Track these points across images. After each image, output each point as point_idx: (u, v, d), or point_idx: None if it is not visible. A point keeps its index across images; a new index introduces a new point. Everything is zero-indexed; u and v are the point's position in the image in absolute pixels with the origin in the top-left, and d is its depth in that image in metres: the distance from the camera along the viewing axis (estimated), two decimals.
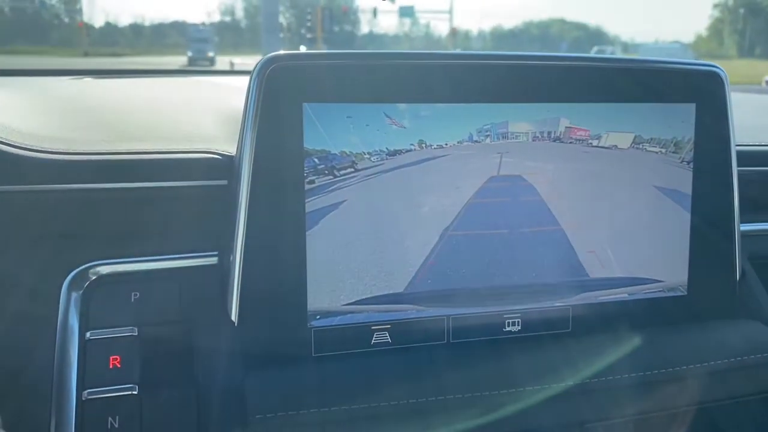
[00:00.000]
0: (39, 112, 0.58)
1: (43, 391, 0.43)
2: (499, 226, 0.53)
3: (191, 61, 21.53)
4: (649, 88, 0.54)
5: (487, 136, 0.51)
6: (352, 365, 0.50)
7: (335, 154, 0.49)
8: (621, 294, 0.56)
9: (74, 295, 0.47)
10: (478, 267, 0.53)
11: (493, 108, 0.51)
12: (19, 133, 0.50)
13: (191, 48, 23.72)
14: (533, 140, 0.53)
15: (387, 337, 0.51)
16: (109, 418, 0.43)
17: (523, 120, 0.52)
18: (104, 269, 0.48)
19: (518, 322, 0.54)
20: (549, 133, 0.53)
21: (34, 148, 0.48)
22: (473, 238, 0.52)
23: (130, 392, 0.44)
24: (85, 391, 0.43)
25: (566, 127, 0.53)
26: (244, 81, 0.48)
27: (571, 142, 0.53)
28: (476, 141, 0.51)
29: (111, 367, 0.45)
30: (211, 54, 23.46)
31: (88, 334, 0.45)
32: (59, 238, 0.48)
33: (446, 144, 0.51)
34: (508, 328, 0.54)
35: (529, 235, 0.53)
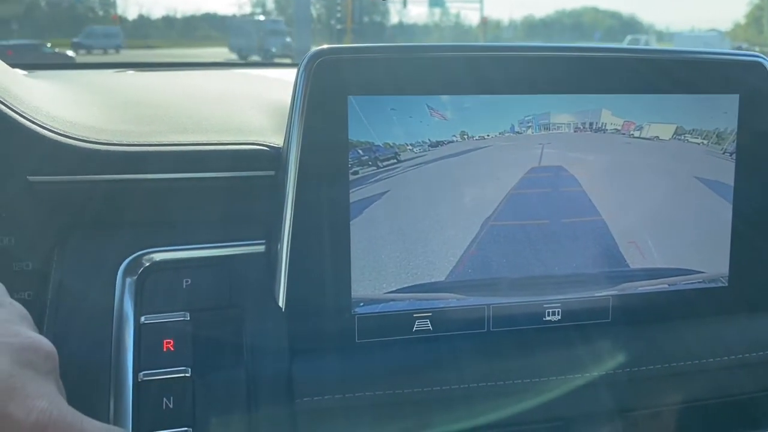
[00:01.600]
0: (90, 105, 0.60)
1: (103, 372, 0.45)
2: (540, 216, 0.53)
3: (265, 54, 21.10)
4: (692, 79, 0.54)
5: (529, 127, 0.52)
6: (394, 351, 0.51)
7: (379, 145, 0.50)
8: (661, 285, 0.56)
9: (129, 281, 0.49)
10: (518, 257, 0.53)
11: (535, 99, 0.52)
12: (73, 124, 0.51)
13: (266, 41, 23.24)
14: (575, 131, 0.53)
15: (428, 325, 0.52)
16: (164, 399, 0.45)
17: (564, 111, 0.52)
18: (157, 256, 0.50)
19: (558, 311, 0.55)
20: (590, 124, 0.53)
21: (91, 140, 0.50)
22: (514, 228, 0.53)
23: (183, 374, 0.46)
24: (141, 373, 0.45)
25: (608, 118, 0.53)
26: (285, 73, 0.49)
27: (612, 133, 0.53)
28: (518, 132, 0.52)
29: (165, 350, 0.46)
30: (287, 41, 22.76)
31: (142, 319, 0.47)
32: (115, 226, 0.50)
33: (488, 135, 0.51)
34: (547, 318, 0.55)
35: (570, 225, 0.54)
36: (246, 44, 23.13)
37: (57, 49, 17.87)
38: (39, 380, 0.35)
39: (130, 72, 0.99)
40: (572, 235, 0.54)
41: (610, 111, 0.53)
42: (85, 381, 0.45)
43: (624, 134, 0.54)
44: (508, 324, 0.54)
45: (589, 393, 0.53)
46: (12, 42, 17.29)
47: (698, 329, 0.56)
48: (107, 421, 0.43)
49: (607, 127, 0.53)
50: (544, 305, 0.54)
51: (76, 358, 0.44)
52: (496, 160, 0.52)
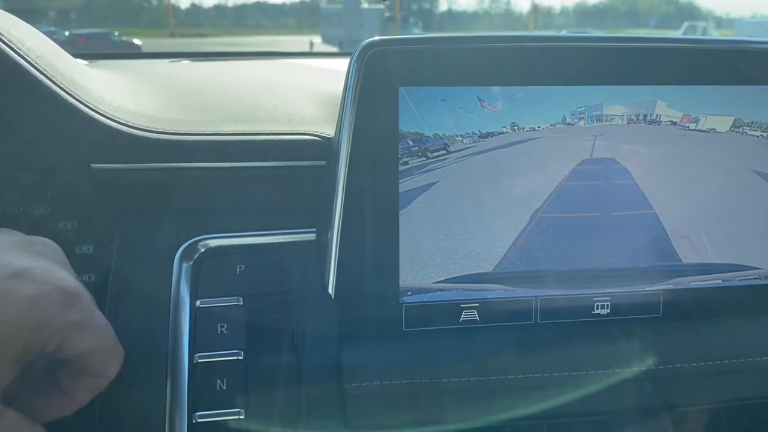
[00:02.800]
0: (148, 95, 0.62)
1: (161, 354, 0.47)
2: (591, 209, 0.53)
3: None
4: (751, 69, 0.53)
5: (581, 118, 0.52)
6: (441, 341, 0.52)
7: (429, 136, 0.50)
8: (715, 280, 0.55)
9: (185, 266, 0.50)
10: (568, 249, 0.53)
11: (588, 90, 0.51)
12: (132, 113, 0.53)
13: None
14: (628, 123, 0.52)
15: (475, 315, 0.53)
16: (218, 380, 0.46)
17: (618, 103, 0.52)
18: (212, 242, 0.51)
19: (607, 305, 0.54)
20: (644, 116, 0.52)
21: (150, 128, 0.51)
22: (564, 220, 0.53)
23: (236, 357, 0.47)
24: (196, 355, 0.47)
25: (662, 110, 0.52)
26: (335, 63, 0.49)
27: (667, 125, 0.52)
28: (569, 123, 0.51)
29: (219, 333, 0.48)
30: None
31: (197, 303, 0.49)
32: (171, 213, 0.52)
33: (539, 127, 0.51)
34: (596, 311, 0.54)
35: (621, 218, 0.53)
36: (343, 33, 22.46)
37: (124, 38, 18.33)
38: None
39: (185, 62, 1.02)
40: (623, 228, 0.53)
41: (665, 102, 0.52)
42: (143, 362, 0.46)
43: (679, 126, 0.53)
44: (556, 317, 0.54)
45: (635, 388, 0.53)
46: (83, 31, 17.84)
47: (751, 327, 0.55)
48: (165, 402, 0.45)
49: (661, 119, 0.52)
50: (593, 299, 0.54)
51: (136, 340, 0.46)
52: (547, 151, 0.52)
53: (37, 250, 0.40)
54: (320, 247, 0.53)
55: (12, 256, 0.38)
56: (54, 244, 0.42)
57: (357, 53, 0.48)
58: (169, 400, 0.45)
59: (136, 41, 17.98)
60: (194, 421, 0.45)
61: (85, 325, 0.39)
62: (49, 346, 0.37)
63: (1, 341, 0.35)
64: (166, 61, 0.99)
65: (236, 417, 0.45)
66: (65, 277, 0.39)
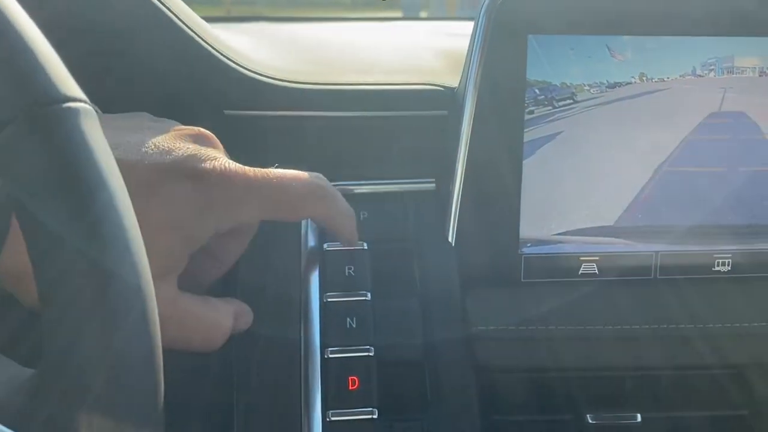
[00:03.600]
0: (269, 50, 0.63)
1: (294, 293, 0.48)
2: (717, 163, 0.52)
3: None
4: None
5: (711, 70, 0.50)
6: (560, 292, 0.52)
7: (556, 85, 0.50)
8: None
9: None
10: (691, 204, 0.52)
11: (719, 41, 0.50)
12: (260, 65, 0.55)
13: None
14: (760, 76, 0.51)
15: (594, 269, 0.53)
16: (348, 319, 0.47)
17: (750, 54, 0.50)
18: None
19: (728, 262, 0.53)
20: None
21: (279, 77, 0.53)
22: (689, 175, 0.52)
23: (363, 298, 0.48)
24: (326, 294, 0.48)
25: None
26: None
27: None
28: (699, 75, 0.50)
29: (346, 275, 0.49)
30: None
31: (325, 246, 0.50)
32: (299, 160, 0.53)
33: (668, 78, 0.50)
34: (717, 268, 0.53)
35: (748, 174, 0.52)
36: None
37: None
38: None
39: (298, 25, 1.02)
40: (750, 184, 0.52)
41: None
42: (277, 299, 0.48)
43: None
44: (676, 272, 0.53)
45: (756, 344, 0.52)
46: None
47: None
48: (299, 337, 0.47)
49: None
50: (715, 255, 0.53)
51: (269, 280, 0.48)
52: (675, 103, 0.51)
53: (188, 133, 0.41)
54: (441, 196, 0.53)
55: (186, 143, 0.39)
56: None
57: (487, 1, 0.48)
58: (303, 335, 0.47)
59: None
60: (326, 356, 0.46)
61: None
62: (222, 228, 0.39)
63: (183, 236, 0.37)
64: (277, 24, 0.99)
65: (366, 353, 0.46)
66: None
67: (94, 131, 0.26)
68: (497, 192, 0.51)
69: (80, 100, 0.26)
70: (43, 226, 0.25)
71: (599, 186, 0.51)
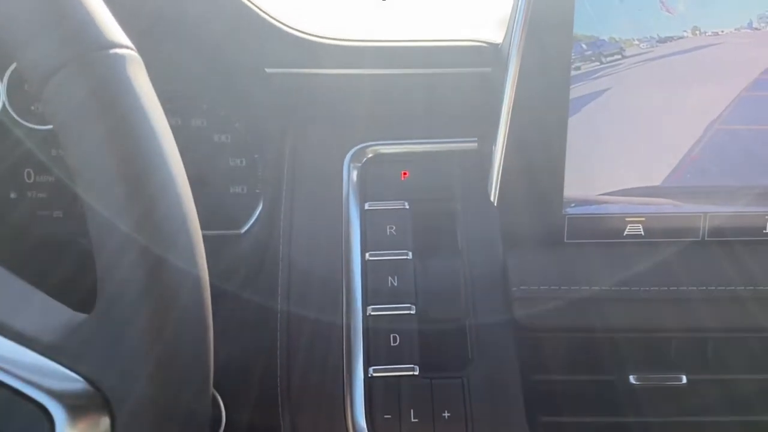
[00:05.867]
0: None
1: (336, 251, 0.49)
2: None
3: None
4: None
5: None
6: (604, 253, 0.51)
7: (603, 39, 0.48)
8: None
9: (354, 170, 0.51)
10: (742, 164, 0.51)
11: None
12: (297, 20, 0.54)
13: None
14: None
15: (640, 230, 0.51)
16: (389, 278, 0.47)
17: None
18: (379, 149, 0.52)
19: None
20: None
21: (318, 34, 0.52)
22: (741, 133, 0.50)
23: (404, 256, 0.48)
24: (367, 253, 0.48)
25: None
26: None
27: None
28: (755, 28, 0.48)
29: (387, 234, 0.49)
30: None
31: (366, 205, 0.50)
32: (339, 119, 0.53)
33: (722, 31, 0.48)
34: (767, 230, 0.52)
35: None
36: None
37: None
38: None
39: None
40: None
41: None
42: (319, 258, 0.48)
43: None
44: (725, 234, 0.51)
45: None
46: None
47: None
48: (340, 293, 0.47)
49: None
50: (766, 217, 0.51)
51: (312, 236, 0.48)
52: (729, 58, 0.49)
53: None
54: (482, 155, 0.52)
55: None
56: None
57: None
58: (344, 292, 0.47)
59: None
60: (368, 314, 0.46)
61: None
62: None
63: None
64: None
65: (407, 311, 0.46)
66: None
67: (140, 76, 0.28)
68: (541, 151, 0.50)
69: (127, 47, 0.27)
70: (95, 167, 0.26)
71: (646, 145, 0.50)
